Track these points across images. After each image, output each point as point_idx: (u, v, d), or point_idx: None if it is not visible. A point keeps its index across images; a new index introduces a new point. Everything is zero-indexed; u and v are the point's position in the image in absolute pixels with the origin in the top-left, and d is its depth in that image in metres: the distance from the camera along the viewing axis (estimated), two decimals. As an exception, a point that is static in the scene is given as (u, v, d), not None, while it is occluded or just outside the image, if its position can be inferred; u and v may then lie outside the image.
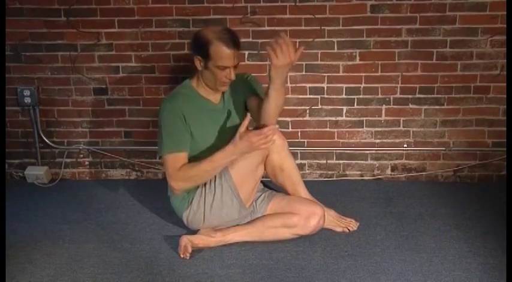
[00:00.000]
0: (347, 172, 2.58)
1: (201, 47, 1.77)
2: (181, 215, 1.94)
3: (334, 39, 2.38)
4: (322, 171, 2.59)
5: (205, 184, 1.88)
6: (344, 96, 2.46)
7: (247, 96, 1.96)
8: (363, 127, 2.51)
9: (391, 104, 2.46)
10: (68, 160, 2.64)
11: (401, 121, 2.49)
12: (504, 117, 2.44)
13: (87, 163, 2.65)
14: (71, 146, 2.61)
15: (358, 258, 1.81)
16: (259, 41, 2.39)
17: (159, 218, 2.15)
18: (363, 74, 2.43)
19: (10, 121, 2.58)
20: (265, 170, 1.95)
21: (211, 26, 1.85)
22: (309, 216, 1.86)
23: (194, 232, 1.92)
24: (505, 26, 2.29)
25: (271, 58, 1.65)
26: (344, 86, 2.45)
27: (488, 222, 2.05)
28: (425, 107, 2.45)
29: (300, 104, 2.49)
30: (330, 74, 2.43)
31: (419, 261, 1.78)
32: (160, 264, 1.79)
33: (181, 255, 1.82)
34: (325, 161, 2.57)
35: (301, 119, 2.51)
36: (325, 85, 2.45)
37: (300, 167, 2.54)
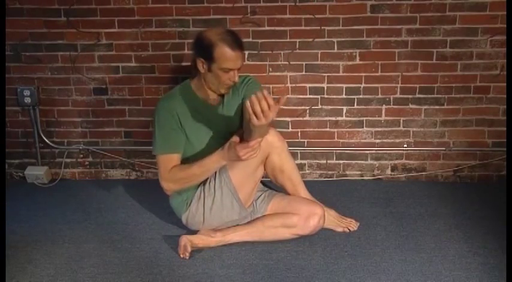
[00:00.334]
0: (347, 172, 2.58)
1: (204, 49, 1.74)
2: (180, 216, 1.94)
3: (334, 39, 2.38)
4: (322, 171, 2.59)
5: (204, 187, 1.88)
6: (344, 96, 2.46)
7: (244, 100, 1.90)
8: (363, 127, 2.51)
9: (391, 104, 2.46)
10: (68, 160, 2.64)
11: (401, 121, 2.49)
12: (504, 117, 2.44)
13: (87, 163, 2.65)
14: (71, 146, 2.61)
15: (358, 258, 1.81)
16: (259, 41, 2.39)
17: (159, 218, 2.15)
18: (363, 74, 2.43)
19: (10, 121, 2.58)
20: (265, 170, 1.95)
21: (213, 28, 1.82)
22: (308, 217, 1.86)
23: (194, 232, 1.92)
24: (505, 26, 2.29)
25: (250, 118, 1.50)
26: (344, 86, 2.45)
27: (488, 222, 2.05)
28: (425, 107, 2.45)
29: (300, 104, 2.49)
30: (330, 74, 2.43)
31: (419, 261, 1.78)
32: (160, 264, 1.79)
33: (181, 255, 1.82)
34: (325, 161, 2.57)
35: (301, 119, 2.51)
36: (325, 85, 2.45)
37: (300, 167, 2.55)
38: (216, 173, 1.85)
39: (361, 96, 2.46)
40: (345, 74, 2.43)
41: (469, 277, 1.67)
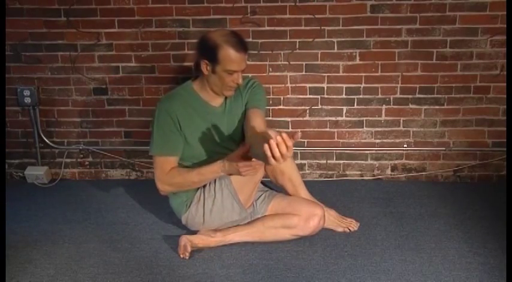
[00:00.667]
0: (347, 172, 2.58)
1: (208, 50, 1.73)
2: (180, 217, 1.94)
3: (334, 39, 2.38)
4: (322, 171, 2.59)
5: (204, 189, 1.87)
6: (344, 96, 2.46)
7: (247, 106, 1.90)
8: (363, 127, 2.51)
9: (391, 104, 2.46)
10: (68, 160, 2.64)
11: (401, 121, 2.49)
12: (504, 117, 2.44)
13: (87, 163, 2.65)
14: (71, 146, 2.61)
15: (358, 258, 1.81)
16: (259, 41, 2.39)
17: (159, 218, 2.15)
18: (363, 74, 2.43)
19: (10, 121, 2.58)
20: (265, 171, 1.95)
21: (217, 30, 1.81)
22: (308, 217, 1.86)
23: (194, 232, 1.92)
24: (505, 26, 2.29)
25: (267, 158, 1.41)
26: (344, 86, 2.45)
27: (488, 222, 2.05)
28: (425, 107, 2.45)
29: (300, 104, 2.49)
30: (330, 74, 2.43)
31: (419, 261, 1.78)
32: (160, 264, 1.79)
33: (181, 255, 1.82)
34: (325, 161, 2.57)
35: (301, 119, 2.51)
36: (325, 85, 2.45)
37: (300, 167, 2.55)
38: (216, 174, 1.85)
39: (361, 96, 2.46)
40: (345, 74, 2.43)
41: (469, 277, 1.67)
